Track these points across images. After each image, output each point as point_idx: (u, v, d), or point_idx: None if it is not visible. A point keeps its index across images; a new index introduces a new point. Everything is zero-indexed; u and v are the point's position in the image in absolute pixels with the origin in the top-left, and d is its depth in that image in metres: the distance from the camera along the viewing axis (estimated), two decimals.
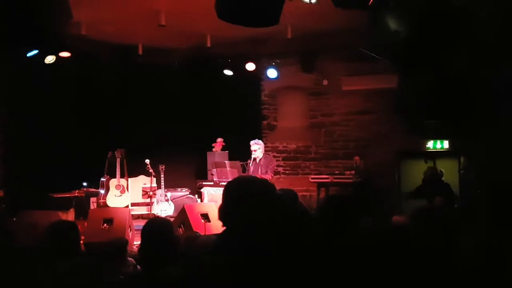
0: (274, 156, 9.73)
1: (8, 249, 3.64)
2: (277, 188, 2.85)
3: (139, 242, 3.32)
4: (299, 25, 8.07)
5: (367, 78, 9.39)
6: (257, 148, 8.08)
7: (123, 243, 4.40)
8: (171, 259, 2.82)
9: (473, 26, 3.92)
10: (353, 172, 9.12)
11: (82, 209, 8.53)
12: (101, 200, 8.84)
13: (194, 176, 10.33)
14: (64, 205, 8.38)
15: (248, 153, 8.21)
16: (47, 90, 8.93)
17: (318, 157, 10.26)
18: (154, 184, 8.85)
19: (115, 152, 8.80)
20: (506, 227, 3.12)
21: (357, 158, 9.32)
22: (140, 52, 9.53)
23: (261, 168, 8.02)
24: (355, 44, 7.14)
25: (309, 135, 10.39)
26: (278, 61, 9.76)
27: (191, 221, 6.54)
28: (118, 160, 8.79)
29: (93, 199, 9.15)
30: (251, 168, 8.07)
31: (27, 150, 8.95)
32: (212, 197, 8.25)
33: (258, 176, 5.40)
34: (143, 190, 8.88)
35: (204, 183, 8.78)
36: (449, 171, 9.01)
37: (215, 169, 8.38)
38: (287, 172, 10.49)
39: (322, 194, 9.24)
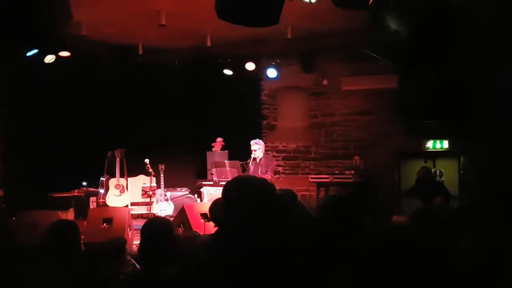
0: (274, 156, 9.72)
1: (8, 249, 3.64)
2: (277, 188, 2.85)
3: (138, 242, 3.32)
4: (299, 25, 8.07)
5: (367, 79, 9.39)
6: (257, 148, 8.08)
7: (122, 242, 4.39)
8: (171, 259, 2.81)
9: (473, 26, 3.91)
10: (353, 172, 9.12)
11: (82, 209, 8.53)
12: (101, 200, 8.83)
13: (194, 176, 10.32)
14: (64, 204, 8.39)
15: (247, 152, 8.20)
16: (47, 90, 8.93)
17: (318, 157, 10.25)
18: (154, 184, 8.86)
19: (115, 151, 8.79)
20: (506, 227, 3.12)
21: (357, 158, 9.32)
22: (140, 52, 9.52)
23: (261, 168, 8.02)
24: (355, 44, 7.18)
25: (309, 135, 10.38)
26: (278, 61, 9.74)
27: (190, 220, 6.53)
28: (117, 159, 8.78)
29: (92, 199, 9.14)
30: (251, 168, 8.07)
31: (27, 150, 8.93)
32: (211, 197, 8.22)
33: (258, 176, 5.40)
34: (142, 190, 8.89)
35: (203, 182, 8.77)
36: (449, 171, 9.03)
37: (214, 169, 8.38)
38: (287, 172, 10.48)
39: (322, 194, 9.25)
